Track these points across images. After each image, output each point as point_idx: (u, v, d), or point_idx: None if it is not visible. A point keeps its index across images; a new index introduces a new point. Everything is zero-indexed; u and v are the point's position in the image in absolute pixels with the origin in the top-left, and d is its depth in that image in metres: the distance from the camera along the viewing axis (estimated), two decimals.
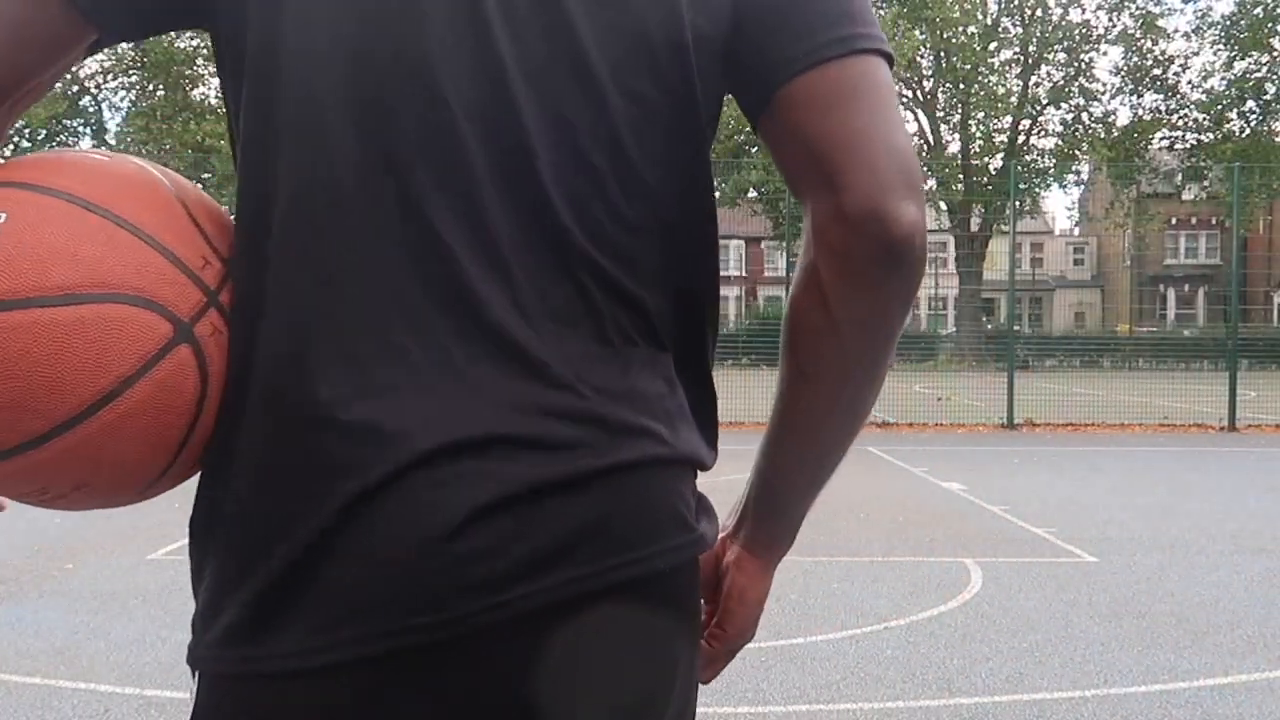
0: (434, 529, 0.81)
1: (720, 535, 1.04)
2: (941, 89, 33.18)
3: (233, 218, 0.92)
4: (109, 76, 28.31)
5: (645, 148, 0.89)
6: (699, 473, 0.95)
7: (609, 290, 0.88)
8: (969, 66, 31.34)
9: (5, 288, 0.81)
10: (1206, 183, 32.56)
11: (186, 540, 0.92)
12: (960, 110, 33.09)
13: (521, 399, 0.84)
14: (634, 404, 0.88)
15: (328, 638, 0.80)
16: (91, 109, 28.96)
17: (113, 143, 28.60)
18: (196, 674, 0.86)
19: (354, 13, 0.84)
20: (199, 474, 0.91)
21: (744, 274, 44.97)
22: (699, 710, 1.01)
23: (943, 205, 33.35)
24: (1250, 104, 31.72)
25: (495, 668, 0.83)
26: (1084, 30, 32.40)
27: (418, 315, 0.84)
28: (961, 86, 32.08)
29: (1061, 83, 33.07)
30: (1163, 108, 32.56)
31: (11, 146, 30.74)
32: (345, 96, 0.84)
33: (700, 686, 0.99)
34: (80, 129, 29.35)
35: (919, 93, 33.39)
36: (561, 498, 0.83)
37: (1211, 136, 31.64)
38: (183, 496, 0.96)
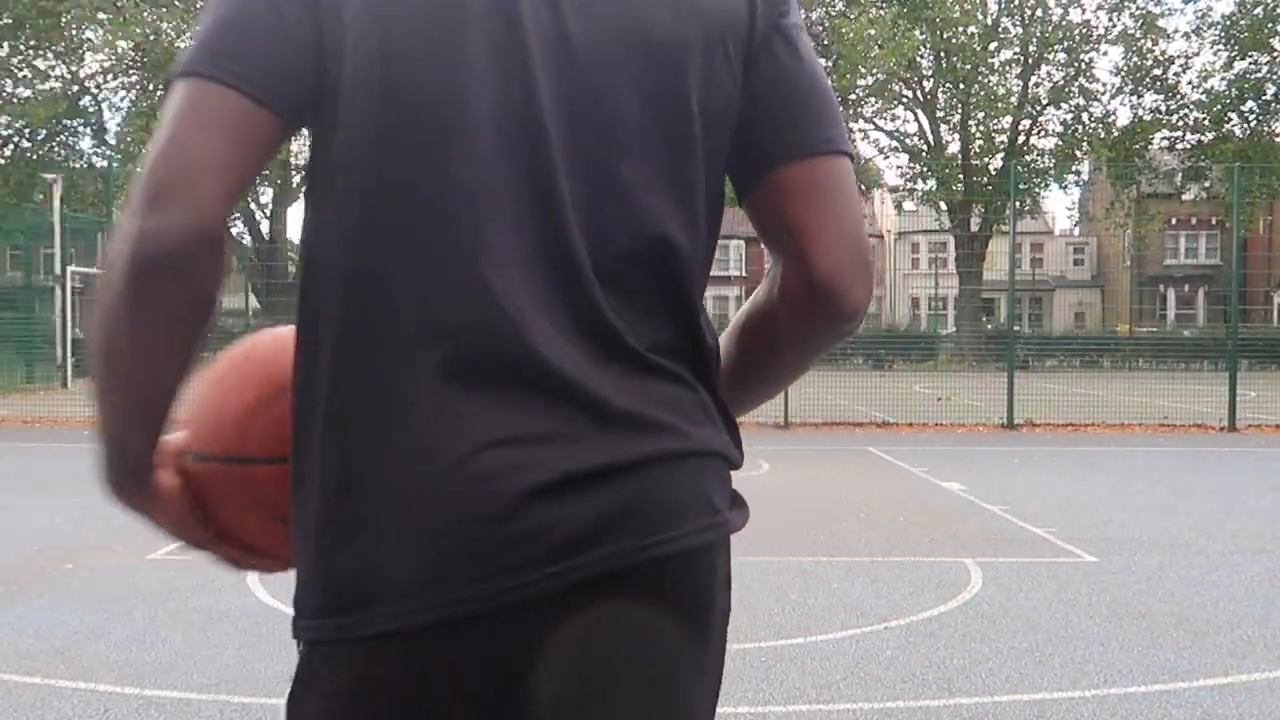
0: (499, 505, 0.94)
1: None
2: (941, 89, 33.16)
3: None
4: (109, 76, 28.17)
5: (641, 177, 1.02)
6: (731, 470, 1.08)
7: (618, 308, 1.01)
8: (969, 66, 31.32)
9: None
10: (1206, 183, 32.51)
11: None
12: (960, 110, 33.07)
13: (570, 405, 0.98)
14: (656, 406, 1.01)
15: (418, 601, 0.93)
16: (91, 109, 28.82)
17: (113, 142, 28.51)
18: (300, 643, 1.00)
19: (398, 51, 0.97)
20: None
21: (744, 274, 44.83)
22: None
23: (943, 205, 33.35)
24: (1250, 104, 31.67)
25: (550, 632, 0.95)
26: (1084, 30, 32.36)
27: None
28: (961, 86, 32.07)
29: (1061, 83, 33.04)
30: (1163, 108, 32.50)
31: (11, 146, 30.06)
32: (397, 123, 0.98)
33: None
34: (80, 129, 29.28)
35: (919, 93, 33.39)
36: (601, 485, 0.96)
37: (1211, 136, 31.59)
38: None
